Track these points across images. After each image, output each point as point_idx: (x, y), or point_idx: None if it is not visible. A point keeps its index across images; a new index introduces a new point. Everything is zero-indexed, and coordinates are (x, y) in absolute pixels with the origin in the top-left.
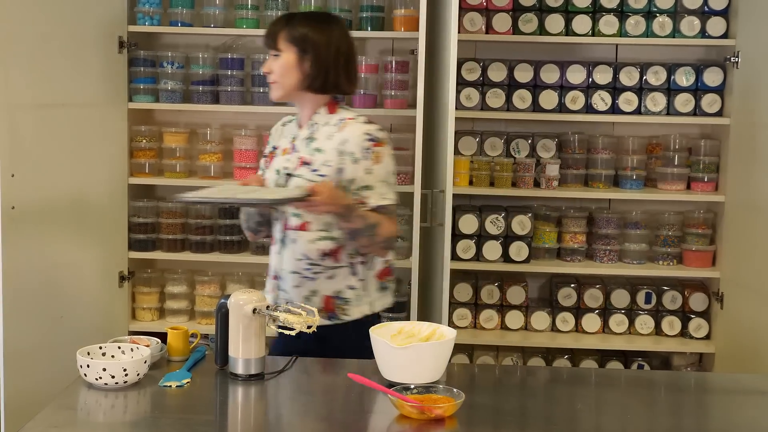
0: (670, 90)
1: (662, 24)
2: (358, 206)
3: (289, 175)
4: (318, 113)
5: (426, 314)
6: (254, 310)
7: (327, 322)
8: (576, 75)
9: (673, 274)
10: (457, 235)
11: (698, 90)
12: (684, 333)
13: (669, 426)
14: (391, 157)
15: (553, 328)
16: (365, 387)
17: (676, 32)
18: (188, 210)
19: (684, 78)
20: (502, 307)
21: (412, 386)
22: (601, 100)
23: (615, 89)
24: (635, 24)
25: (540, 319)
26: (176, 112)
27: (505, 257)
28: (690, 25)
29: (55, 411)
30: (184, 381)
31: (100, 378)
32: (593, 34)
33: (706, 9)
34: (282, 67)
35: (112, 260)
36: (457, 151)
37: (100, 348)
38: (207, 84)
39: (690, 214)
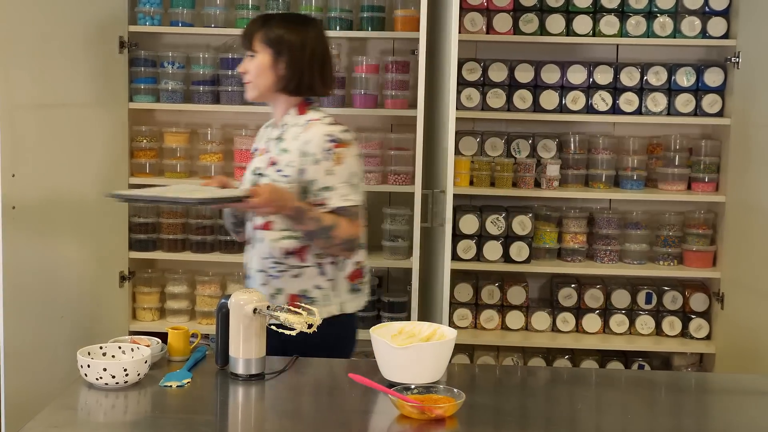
0: (671, 90)
1: (663, 24)
2: (310, 208)
3: (260, 175)
4: (288, 114)
5: (426, 314)
6: (255, 310)
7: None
8: (577, 75)
9: (673, 274)
10: (457, 236)
11: (699, 90)
12: (684, 333)
13: (669, 426)
14: (356, 158)
15: (554, 328)
16: (366, 387)
17: (676, 32)
18: (189, 210)
19: (684, 78)
20: (503, 308)
21: (413, 386)
22: (602, 100)
23: (616, 89)
24: (636, 24)
25: (540, 319)
26: (177, 112)
27: (506, 257)
28: (691, 25)
29: (56, 411)
30: (185, 381)
31: (101, 378)
32: (594, 35)
33: (706, 9)
34: (257, 67)
35: (112, 260)
36: (457, 152)
37: (101, 348)
38: (207, 84)
39: (690, 215)
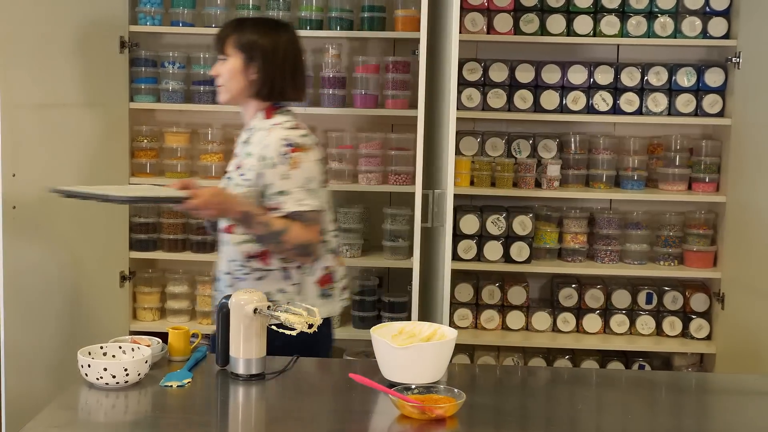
0: (672, 90)
1: (663, 24)
2: (259, 212)
3: (229, 179)
4: (256, 118)
5: (427, 314)
6: (255, 310)
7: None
8: (577, 75)
9: (674, 274)
10: (458, 236)
11: (699, 90)
12: (685, 333)
13: (670, 426)
14: (315, 163)
15: (554, 328)
16: (366, 387)
17: (677, 33)
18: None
19: (685, 78)
20: (503, 308)
21: (413, 386)
22: (603, 100)
23: (616, 89)
24: (636, 24)
25: (541, 319)
26: (177, 112)
27: (506, 257)
28: (691, 25)
29: (56, 411)
30: (185, 381)
31: (101, 378)
32: (594, 35)
33: (707, 9)
34: (229, 71)
35: (113, 260)
36: (458, 152)
37: (101, 348)
38: (208, 84)
39: (691, 215)
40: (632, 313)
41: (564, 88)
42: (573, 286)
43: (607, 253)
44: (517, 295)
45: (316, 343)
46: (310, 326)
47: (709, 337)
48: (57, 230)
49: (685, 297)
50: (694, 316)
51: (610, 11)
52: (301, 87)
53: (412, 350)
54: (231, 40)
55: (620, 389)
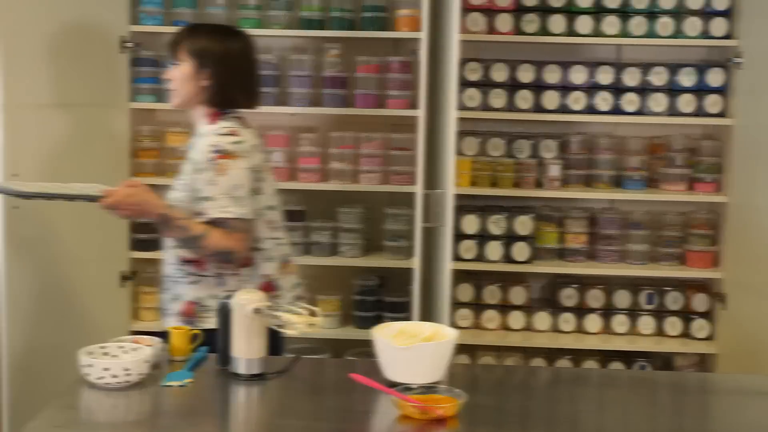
0: (673, 90)
1: (665, 24)
2: (178, 216)
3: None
4: (201, 123)
5: (428, 315)
6: (256, 310)
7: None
8: (578, 75)
9: (675, 274)
10: (459, 236)
11: (701, 90)
12: (686, 334)
13: (671, 427)
14: (244, 171)
15: (555, 328)
16: (366, 387)
17: (678, 33)
18: None
19: (687, 78)
20: (504, 308)
21: (414, 386)
22: (604, 100)
23: (617, 90)
24: (638, 24)
25: (542, 319)
26: (178, 112)
27: (507, 258)
28: (693, 25)
29: (57, 410)
30: (186, 381)
31: (102, 378)
32: (596, 35)
33: (708, 9)
34: (180, 77)
35: (113, 260)
36: (459, 152)
37: (102, 348)
38: None
39: (692, 215)
40: (633, 313)
41: (565, 88)
42: (574, 286)
43: (608, 254)
44: (517, 295)
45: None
46: (312, 326)
47: (710, 338)
48: (58, 230)
49: (686, 297)
50: (695, 317)
51: (611, 11)
52: (252, 94)
53: (412, 350)
54: (184, 45)
55: (621, 389)
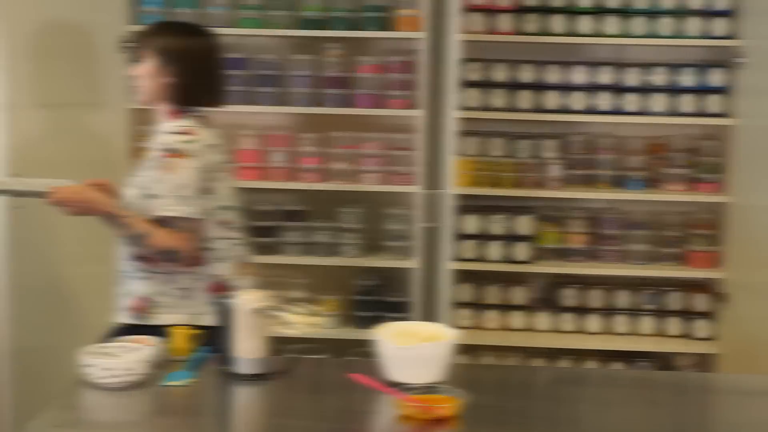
0: (674, 90)
1: (666, 24)
2: (124, 214)
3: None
4: (162, 121)
5: (428, 315)
6: (258, 310)
7: (134, 321)
8: (579, 75)
9: (676, 274)
10: (459, 236)
11: (702, 90)
12: (687, 334)
13: (672, 427)
14: (193, 171)
15: (556, 328)
16: (367, 387)
17: (680, 32)
18: None
19: (688, 78)
20: (505, 308)
21: (414, 386)
22: (605, 100)
23: (618, 90)
24: (639, 24)
25: (542, 319)
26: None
27: (508, 258)
28: (694, 25)
29: (57, 410)
30: (187, 380)
31: (103, 377)
32: (597, 35)
33: (710, 9)
34: (144, 74)
35: (115, 260)
36: (459, 152)
37: (102, 347)
38: None
39: (693, 215)
40: (634, 313)
41: (566, 88)
42: (574, 286)
43: (608, 254)
44: (518, 295)
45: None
46: (313, 326)
47: (711, 338)
48: (61, 230)
49: (687, 297)
50: (696, 317)
51: (612, 11)
52: (215, 94)
53: (412, 350)
54: (149, 42)
55: (622, 389)
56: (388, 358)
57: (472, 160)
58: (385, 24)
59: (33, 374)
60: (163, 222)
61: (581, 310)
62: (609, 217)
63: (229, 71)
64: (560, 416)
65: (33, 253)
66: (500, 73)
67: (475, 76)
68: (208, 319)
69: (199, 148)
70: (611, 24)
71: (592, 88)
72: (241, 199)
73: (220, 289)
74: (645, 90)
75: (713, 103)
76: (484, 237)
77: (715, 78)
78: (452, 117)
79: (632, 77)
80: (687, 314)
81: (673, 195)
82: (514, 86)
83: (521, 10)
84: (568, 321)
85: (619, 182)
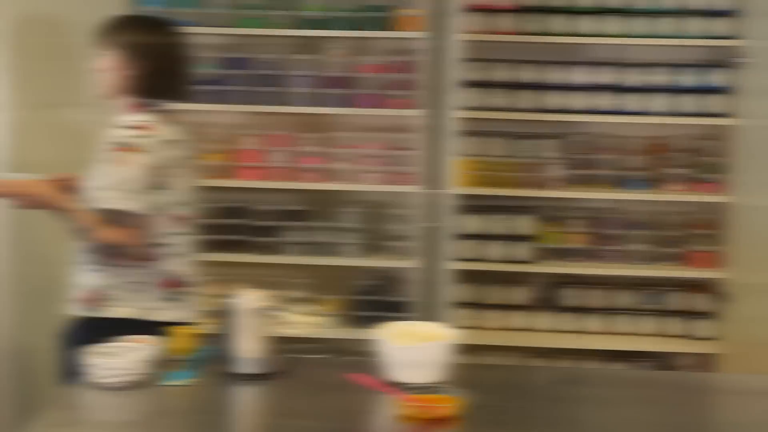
0: (676, 90)
1: (668, 24)
2: (69, 207)
3: None
4: (122, 114)
5: (428, 315)
6: (259, 310)
7: (85, 313)
8: (580, 75)
9: (677, 274)
10: (459, 236)
11: (704, 90)
12: (688, 334)
13: (673, 427)
14: (143, 166)
15: (556, 328)
16: (367, 387)
17: (681, 32)
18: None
19: (689, 78)
20: (505, 308)
21: (414, 386)
22: (605, 100)
23: (620, 89)
24: (640, 24)
25: (543, 319)
26: (180, 111)
27: (508, 258)
28: (695, 25)
29: (56, 411)
30: (188, 380)
31: (103, 377)
32: (597, 35)
33: (712, 9)
34: (107, 67)
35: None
36: (459, 152)
37: (103, 347)
38: (211, 84)
39: (695, 215)
40: (636, 313)
41: (567, 88)
42: (576, 286)
43: (609, 254)
44: (518, 295)
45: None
46: (314, 326)
47: (712, 338)
48: (63, 230)
49: (688, 297)
50: (696, 317)
51: (613, 11)
52: (179, 88)
53: (412, 350)
54: (111, 36)
55: (623, 389)
56: (388, 358)
57: (473, 160)
58: (385, 24)
59: (35, 374)
60: (109, 216)
61: (581, 310)
62: (610, 217)
63: (229, 71)
64: (560, 416)
65: (34, 252)
66: (500, 73)
67: (475, 76)
68: (160, 314)
69: (153, 144)
70: (612, 24)
71: (593, 88)
72: (202, 195)
73: (173, 284)
74: (646, 90)
75: (714, 103)
76: (484, 237)
77: (716, 78)
78: (452, 117)
79: (633, 77)
80: (688, 314)
81: (674, 195)
82: (514, 86)
83: (521, 10)
84: (568, 321)
85: (619, 182)
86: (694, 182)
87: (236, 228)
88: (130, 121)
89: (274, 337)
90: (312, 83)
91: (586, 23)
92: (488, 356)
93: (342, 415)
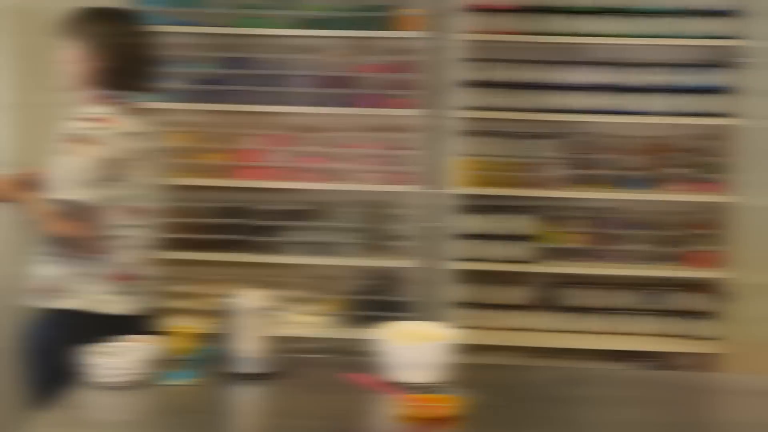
0: (676, 90)
1: (668, 24)
2: (24, 198)
3: None
4: (85, 106)
5: (428, 315)
6: (259, 310)
7: (39, 304)
8: (581, 75)
9: (678, 274)
10: (459, 236)
11: (704, 90)
12: (688, 334)
13: (673, 427)
14: (95, 157)
15: (557, 329)
16: (366, 387)
17: (680, 32)
18: (192, 209)
19: (690, 78)
20: (505, 308)
21: (414, 386)
22: (607, 100)
23: (620, 89)
24: (641, 24)
25: (543, 319)
26: (181, 111)
27: (508, 258)
28: (696, 25)
29: (56, 411)
30: (188, 380)
31: (103, 377)
32: (598, 34)
33: (712, 9)
34: (70, 58)
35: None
36: (459, 152)
37: (103, 347)
38: (212, 83)
39: (696, 215)
40: (635, 313)
41: (567, 88)
42: (575, 286)
43: (609, 253)
44: (518, 295)
45: (92, 336)
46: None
47: (712, 338)
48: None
49: (689, 297)
50: (697, 317)
51: (614, 11)
52: (143, 80)
53: (412, 350)
54: (75, 27)
55: (624, 389)
56: (387, 358)
57: (472, 160)
58: (385, 24)
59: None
60: (61, 207)
61: (581, 310)
62: (610, 217)
63: (229, 71)
64: (560, 416)
65: None
66: (500, 73)
67: (475, 76)
68: (111, 307)
69: (109, 136)
70: (612, 24)
71: (593, 88)
72: (164, 189)
73: (125, 277)
74: (646, 90)
75: (714, 103)
76: (484, 237)
77: (716, 78)
78: (452, 117)
79: (634, 77)
80: (688, 314)
81: (674, 195)
82: (514, 86)
83: (521, 10)
84: (568, 321)
85: (620, 182)
86: (694, 182)
87: (236, 228)
88: (88, 113)
89: (274, 337)
90: (312, 83)
91: (586, 23)
92: (488, 356)
93: (342, 415)
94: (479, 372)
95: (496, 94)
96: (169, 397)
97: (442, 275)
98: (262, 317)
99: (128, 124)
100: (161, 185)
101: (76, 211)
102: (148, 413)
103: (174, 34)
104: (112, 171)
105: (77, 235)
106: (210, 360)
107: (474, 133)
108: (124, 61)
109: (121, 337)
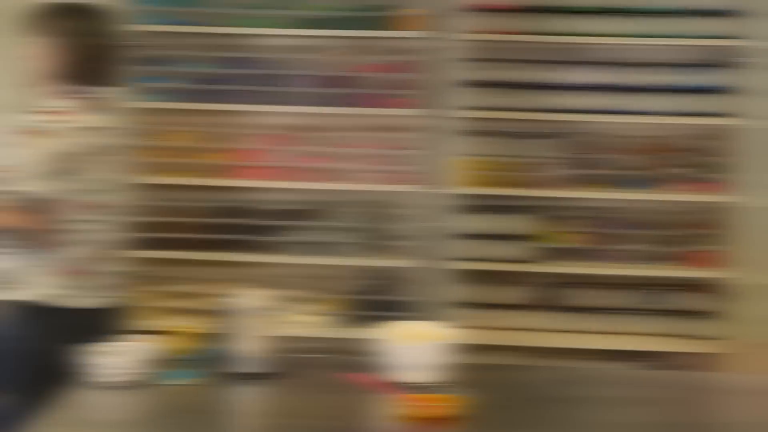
0: (676, 90)
1: (668, 24)
2: None
3: None
4: (45, 100)
5: (428, 315)
6: (259, 310)
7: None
8: (581, 75)
9: (678, 274)
10: (460, 236)
11: (704, 90)
12: (688, 334)
13: (673, 427)
14: (48, 150)
15: (557, 329)
16: (366, 387)
17: (680, 32)
18: (193, 209)
19: (690, 78)
20: (505, 308)
21: (414, 386)
22: (607, 100)
23: (620, 89)
24: (641, 24)
25: (544, 319)
26: (182, 111)
27: (509, 257)
28: (697, 25)
29: (56, 411)
30: (188, 380)
31: (103, 377)
32: (598, 34)
33: (712, 9)
34: (34, 53)
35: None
36: (459, 152)
37: (102, 346)
38: (213, 83)
39: (696, 215)
40: (637, 313)
41: (568, 88)
42: (576, 286)
43: (609, 253)
44: (518, 295)
45: (47, 329)
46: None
47: (712, 338)
48: None
49: (688, 297)
50: (697, 317)
51: (614, 11)
52: (106, 75)
53: (412, 350)
54: (39, 22)
55: (624, 390)
56: (387, 358)
57: (472, 160)
58: (385, 24)
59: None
60: (13, 199)
61: (581, 310)
62: (610, 217)
63: (229, 71)
64: (560, 416)
65: None
66: (500, 73)
67: (475, 76)
68: (67, 301)
69: (65, 129)
70: (612, 24)
71: (593, 88)
72: (125, 186)
73: (80, 272)
74: (646, 90)
75: (714, 103)
76: (484, 237)
77: (716, 78)
78: (452, 117)
79: (634, 77)
80: (688, 314)
81: (674, 195)
82: (514, 86)
83: (521, 10)
84: (568, 321)
85: (620, 182)
86: (694, 182)
87: (236, 228)
88: (46, 107)
89: (274, 337)
90: (312, 83)
91: (586, 23)
92: (488, 356)
93: (342, 415)
94: (479, 372)
95: (496, 94)
96: (169, 397)
97: (442, 275)
98: (262, 317)
99: (87, 119)
100: (124, 182)
101: (30, 204)
102: (148, 413)
103: (173, 33)
104: (67, 165)
105: (31, 227)
106: (210, 360)
107: (474, 133)
108: (86, 57)
109: (85, 333)
